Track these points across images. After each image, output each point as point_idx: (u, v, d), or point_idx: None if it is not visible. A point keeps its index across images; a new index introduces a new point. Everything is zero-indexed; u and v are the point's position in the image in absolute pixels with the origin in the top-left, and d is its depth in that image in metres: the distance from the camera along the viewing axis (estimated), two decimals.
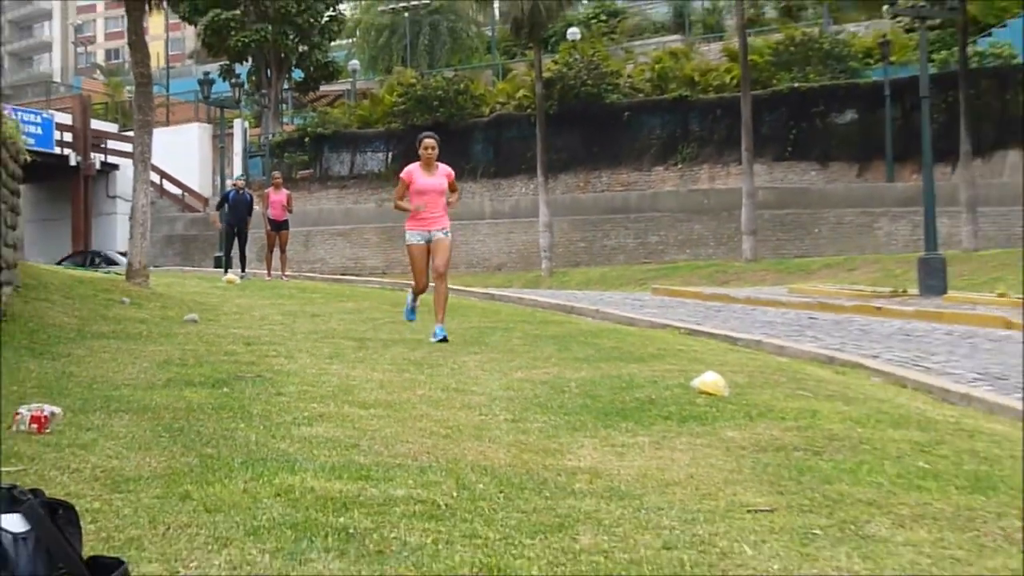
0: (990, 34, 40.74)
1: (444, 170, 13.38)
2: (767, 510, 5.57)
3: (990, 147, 38.07)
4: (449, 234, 13.40)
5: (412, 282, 14.16)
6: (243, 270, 27.18)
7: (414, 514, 5.24)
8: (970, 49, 37.03)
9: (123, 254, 37.97)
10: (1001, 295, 22.86)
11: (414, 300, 13.96)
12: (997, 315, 18.99)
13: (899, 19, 37.99)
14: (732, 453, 6.94)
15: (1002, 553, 4.97)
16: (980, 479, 6.34)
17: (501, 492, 5.76)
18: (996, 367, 12.80)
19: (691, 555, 4.73)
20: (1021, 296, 19.87)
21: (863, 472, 6.42)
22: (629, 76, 47.62)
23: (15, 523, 4.06)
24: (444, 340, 12.74)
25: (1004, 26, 41.35)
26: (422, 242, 13.15)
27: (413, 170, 13.23)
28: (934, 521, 5.43)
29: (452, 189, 13.59)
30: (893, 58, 40.29)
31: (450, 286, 14.35)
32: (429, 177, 13.00)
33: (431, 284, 13.65)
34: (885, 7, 35.87)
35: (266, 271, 27.99)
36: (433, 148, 13.00)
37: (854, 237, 37.39)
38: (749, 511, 5.55)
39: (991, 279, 26.31)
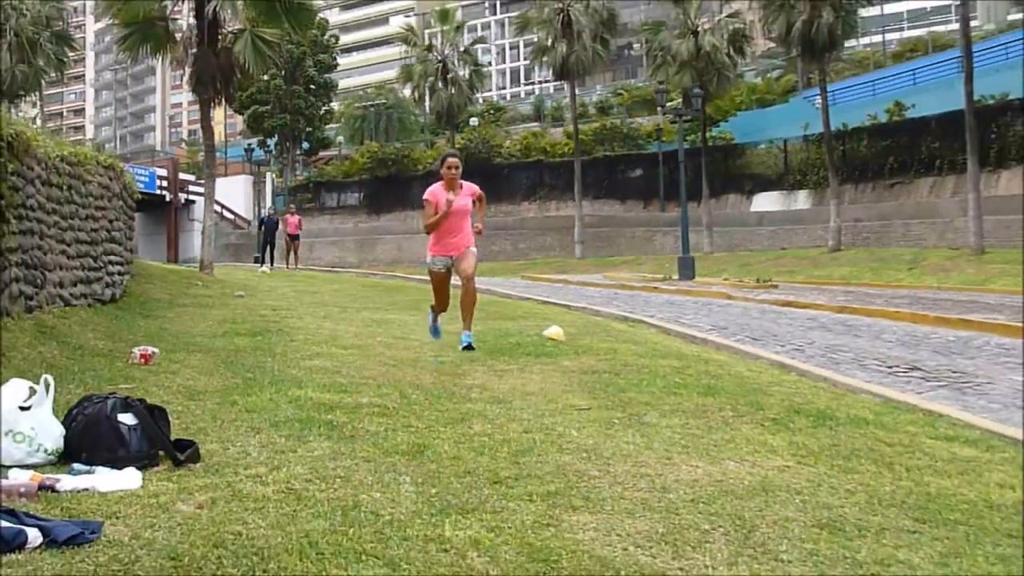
0: (719, 125, 41.34)
1: (469, 189, 8.66)
2: (586, 408, 5.64)
3: (719, 191, 38.68)
4: (474, 249, 8.74)
5: (433, 301, 8.99)
6: (272, 265, 26.81)
7: (373, 413, 5.25)
8: (708, 134, 37.61)
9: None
10: (725, 279, 23.28)
11: (435, 319, 8.93)
12: (722, 291, 19.32)
13: (667, 115, 38.40)
14: (566, 375, 7.00)
15: (720, 431, 5.08)
16: (710, 388, 6.46)
17: (426, 399, 5.78)
18: (722, 322, 13.02)
19: (540, 436, 4.79)
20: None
21: (643, 385, 6.52)
22: (507, 147, 47.67)
23: (129, 419, 4.05)
24: (470, 348, 8.27)
25: (727, 121, 42.03)
26: (443, 269, 8.61)
27: (436, 190, 8.48)
28: (683, 413, 5.54)
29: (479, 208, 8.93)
30: (664, 138, 40.74)
31: (397, 274, 13.52)
32: (453, 198, 8.43)
33: (452, 300, 8.95)
34: (659, 108, 36.34)
35: (285, 265, 27.73)
36: (457, 168, 8.45)
37: (641, 245, 37.77)
38: (576, 409, 5.62)
39: (720, 270, 26.77)
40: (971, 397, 7.05)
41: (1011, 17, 57.18)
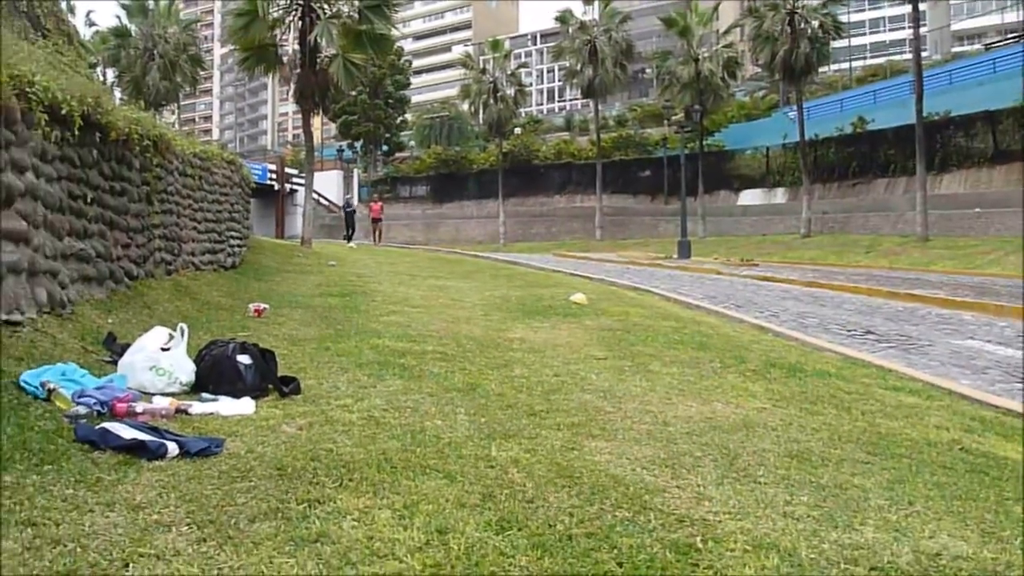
0: (713, 135, 40.38)
1: None
2: (603, 358, 5.62)
3: (712, 188, 37.96)
4: None
5: None
6: (353, 241, 26.90)
7: (436, 358, 5.26)
8: (704, 142, 36.96)
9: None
10: (716, 258, 22.99)
11: None
12: (713, 267, 19.13)
13: (672, 127, 37.73)
14: (588, 332, 6.98)
15: (710, 379, 5.03)
16: (702, 344, 6.41)
17: (478, 348, 5.79)
18: (712, 293, 12.90)
19: (566, 379, 4.78)
20: None
21: (649, 340, 6.49)
22: (543, 151, 47.22)
23: (246, 359, 4.10)
24: None
25: (720, 131, 41.03)
26: None
27: None
28: (680, 364, 5.49)
29: None
30: (669, 146, 40.10)
31: (456, 250, 13.42)
32: None
33: None
34: (665, 121, 35.85)
35: (371, 242, 27.83)
36: None
37: (648, 230, 37.39)
38: (595, 359, 5.60)
39: (711, 251, 26.46)
40: (915, 356, 6.93)
41: (954, 50, 55.63)
